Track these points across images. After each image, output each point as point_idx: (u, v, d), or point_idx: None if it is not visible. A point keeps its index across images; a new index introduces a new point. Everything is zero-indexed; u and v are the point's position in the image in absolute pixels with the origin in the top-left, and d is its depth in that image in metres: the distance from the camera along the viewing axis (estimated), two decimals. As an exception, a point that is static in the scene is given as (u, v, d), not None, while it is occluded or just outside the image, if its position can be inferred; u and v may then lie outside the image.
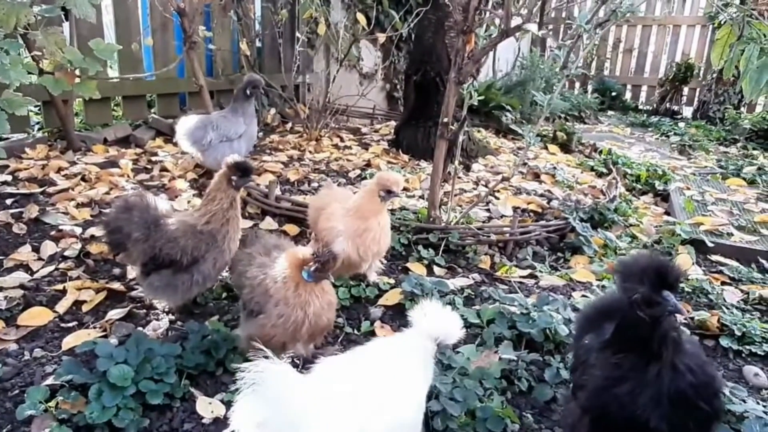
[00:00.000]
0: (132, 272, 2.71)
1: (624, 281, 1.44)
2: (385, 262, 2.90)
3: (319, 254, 1.86)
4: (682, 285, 3.02)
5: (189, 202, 3.60)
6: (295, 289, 1.89)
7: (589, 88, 10.28)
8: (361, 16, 5.28)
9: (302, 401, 1.29)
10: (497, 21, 3.39)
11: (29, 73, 2.22)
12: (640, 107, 9.99)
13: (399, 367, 1.46)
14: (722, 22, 2.72)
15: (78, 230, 3.06)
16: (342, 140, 5.53)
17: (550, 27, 9.89)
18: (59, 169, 3.85)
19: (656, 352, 1.40)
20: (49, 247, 2.87)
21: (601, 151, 5.93)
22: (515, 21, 2.81)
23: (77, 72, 2.55)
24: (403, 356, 1.48)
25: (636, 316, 1.40)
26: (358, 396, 1.37)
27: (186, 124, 3.81)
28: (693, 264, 3.32)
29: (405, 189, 4.20)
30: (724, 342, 2.48)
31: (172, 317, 2.42)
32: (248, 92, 3.93)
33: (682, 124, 8.33)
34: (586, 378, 1.57)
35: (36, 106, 4.58)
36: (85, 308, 2.43)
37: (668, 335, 1.41)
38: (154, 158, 4.39)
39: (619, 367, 1.46)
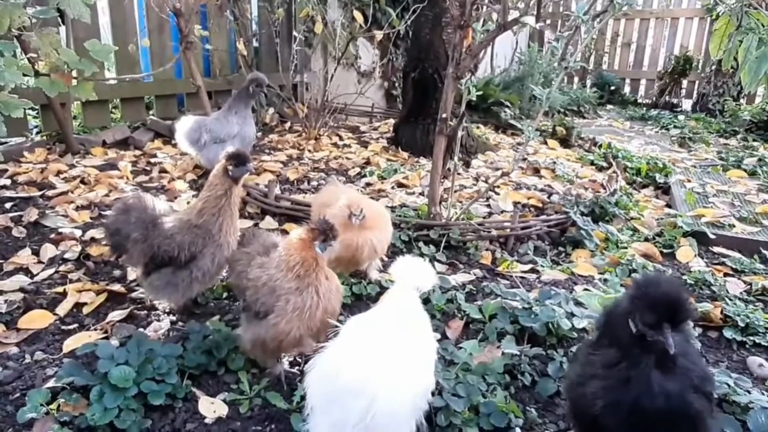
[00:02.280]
0: (132, 274, 2.70)
1: (636, 297, 1.42)
2: (386, 259, 2.89)
3: (318, 226, 1.93)
4: (685, 277, 3.02)
5: (188, 202, 3.58)
6: (305, 272, 1.88)
7: (588, 82, 10.26)
8: (358, 14, 5.27)
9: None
10: (494, 15, 3.38)
11: (25, 75, 2.21)
12: (640, 101, 9.97)
13: (413, 320, 1.64)
14: (720, 14, 2.70)
15: (78, 233, 3.06)
16: (341, 139, 5.53)
17: (548, 21, 9.88)
18: (58, 172, 3.85)
19: (632, 359, 1.39)
20: (48, 250, 2.86)
21: (600, 145, 5.92)
22: (512, 14, 2.80)
23: (74, 73, 2.54)
24: (411, 309, 1.65)
25: (624, 323, 1.41)
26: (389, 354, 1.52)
27: (184, 125, 3.82)
28: (695, 256, 3.31)
29: (405, 186, 4.20)
30: (728, 333, 2.47)
31: (173, 318, 2.41)
32: (251, 90, 3.92)
33: (681, 117, 8.31)
34: (569, 371, 1.64)
35: (34, 110, 4.60)
36: (85, 310, 2.43)
37: (651, 351, 1.38)
38: (153, 160, 4.38)
39: (593, 365, 1.47)
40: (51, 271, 2.70)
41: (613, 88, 10.00)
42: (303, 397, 1.85)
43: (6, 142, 4.21)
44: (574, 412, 1.58)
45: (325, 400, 1.50)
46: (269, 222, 3.40)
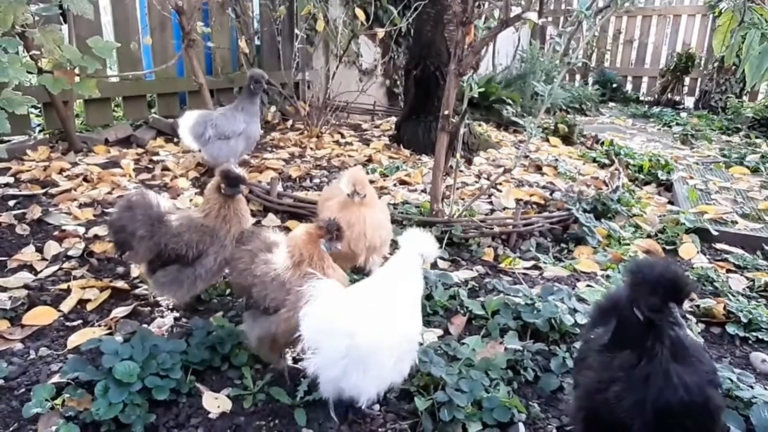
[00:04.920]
0: (136, 270, 2.71)
1: (635, 284, 1.42)
2: (388, 256, 2.89)
3: (327, 225, 1.95)
4: (687, 273, 3.02)
5: (191, 200, 3.60)
6: (312, 268, 1.89)
7: (590, 80, 10.25)
8: (359, 12, 5.27)
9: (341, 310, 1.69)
10: (496, 13, 3.38)
11: (29, 72, 2.21)
12: (642, 98, 9.96)
13: (404, 279, 1.83)
14: (723, 10, 2.70)
15: (81, 230, 3.06)
16: (343, 136, 5.53)
17: (550, 19, 9.87)
18: (61, 170, 3.86)
19: (648, 354, 1.39)
20: (52, 247, 2.87)
21: (602, 143, 5.92)
22: (515, 11, 2.80)
23: (76, 71, 2.54)
24: (405, 270, 1.83)
25: (632, 314, 1.40)
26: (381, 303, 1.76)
27: (188, 119, 3.81)
28: (697, 252, 3.31)
29: (407, 183, 4.20)
30: (731, 329, 2.47)
31: (177, 314, 2.42)
32: (252, 88, 3.92)
33: (684, 114, 8.30)
34: (581, 378, 1.60)
35: (36, 108, 4.61)
36: (89, 307, 2.44)
37: (664, 339, 1.38)
38: (155, 158, 4.39)
39: (611, 368, 1.46)
40: (55, 268, 2.71)
41: (615, 85, 10.00)
42: (307, 393, 1.87)
43: (9, 140, 4.22)
44: (591, 420, 1.54)
45: (315, 341, 1.68)
46: (272, 219, 3.41)
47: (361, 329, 1.64)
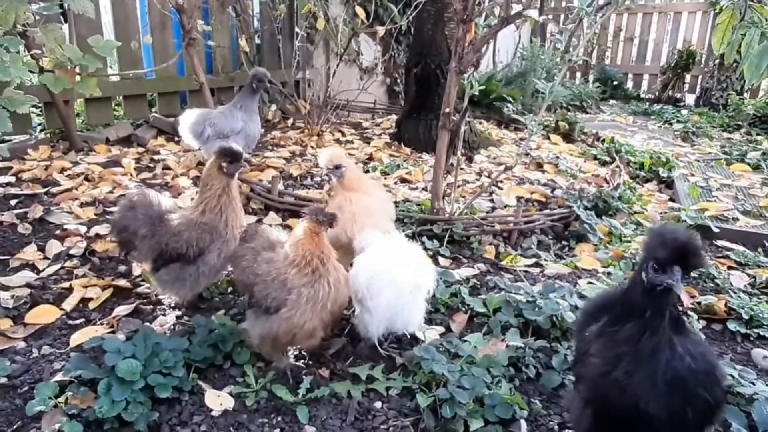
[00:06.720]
0: (137, 269, 2.71)
1: (651, 238, 1.41)
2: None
3: (317, 216, 1.98)
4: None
5: (192, 199, 3.59)
6: (321, 264, 1.91)
7: (591, 77, 10.24)
8: (359, 10, 5.27)
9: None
10: (497, 11, 3.38)
11: (30, 71, 2.22)
12: (642, 96, 9.96)
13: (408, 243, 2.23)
14: (723, 7, 2.70)
15: (83, 229, 3.07)
16: (343, 135, 5.53)
17: (550, 16, 9.87)
18: (62, 170, 3.86)
19: (650, 326, 1.38)
20: (54, 246, 2.87)
21: (603, 140, 5.92)
22: (515, 8, 2.80)
23: (77, 70, 2.54)
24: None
25: (639, 280, 1.39)
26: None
27: (188, 118, 3.82)
28: (699, 249, 3.31)
29: (408, 181, 4.20)
30: (732, 326, 2.47)
31: (179, 312, 2.42)
32: (254, 86, 3.92)
33: (684, 112, 8.30)
34: (585, 369, 1.56)
35: (37, 108, 4.61)
36: (91, 305, 2.44)
37: (666, 307, 1.37)
38: (156, 157, 4.39)
39: (616, 344, 1.43)
40: (57, 266, 2.72)
41: (615, 83, 10.00)
42: (309, 390, 1.88)
43: (10, 140, 4.22)
44: (601, 413, 1.49)
45: (377, 288, 1.97)
46: (273, 218, 3.41)
47: (404, 274, 1.99)
